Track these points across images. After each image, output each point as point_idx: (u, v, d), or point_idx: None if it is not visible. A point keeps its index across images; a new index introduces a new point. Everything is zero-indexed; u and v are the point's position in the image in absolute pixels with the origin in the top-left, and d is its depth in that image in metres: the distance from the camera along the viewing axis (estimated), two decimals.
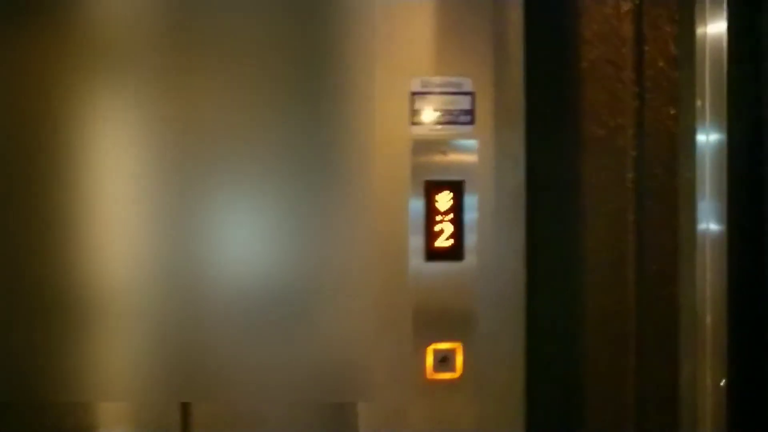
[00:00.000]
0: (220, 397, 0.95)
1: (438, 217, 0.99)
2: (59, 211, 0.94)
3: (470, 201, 0.99)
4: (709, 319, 1.00)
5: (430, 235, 0.99)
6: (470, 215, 0.99)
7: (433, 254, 0.99)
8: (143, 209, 0.95)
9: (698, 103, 0.96)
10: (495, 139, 1.00)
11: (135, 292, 0.95)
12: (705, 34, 0.96)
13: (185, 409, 0.97)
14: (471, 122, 1.00)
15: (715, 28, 0.95)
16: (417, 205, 0.99)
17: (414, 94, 0.99)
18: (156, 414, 0.97)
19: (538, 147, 1.04)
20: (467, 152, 1.00)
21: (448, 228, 0.99)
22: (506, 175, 1.00)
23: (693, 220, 1.00)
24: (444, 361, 0.99)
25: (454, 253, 0.99)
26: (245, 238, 0.99)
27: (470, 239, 0.99)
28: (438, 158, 0.99)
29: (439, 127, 0.99)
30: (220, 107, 0.97)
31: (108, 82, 0.95)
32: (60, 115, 0.94)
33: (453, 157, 0.99)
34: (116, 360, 0.95)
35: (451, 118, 0.99)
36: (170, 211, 0.96)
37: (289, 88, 0.99)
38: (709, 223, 0.98)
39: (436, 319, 0.99)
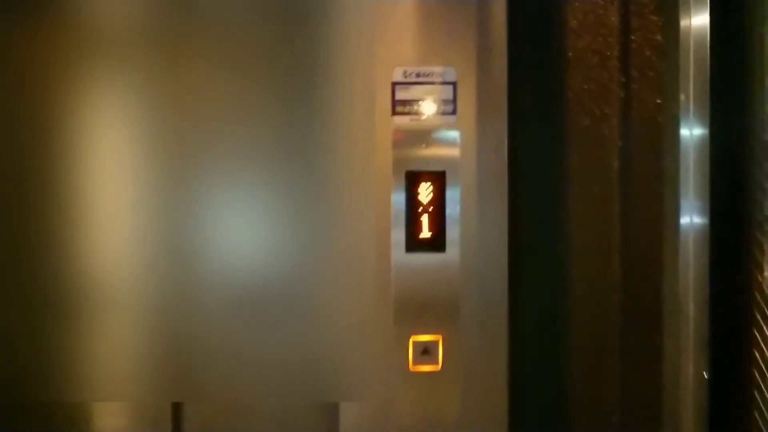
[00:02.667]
0: (211, 397, 0.94)
1: (419, 209, 0.98)
2: (51, 210, 0.93)
3: (452, 192, 0.98)
4: (692, 309, 1.00)
5: (412, 227, 0.98)
6: (452, 206, 0.98)
7: (415, 246, 0.98)
8: (136, 208, 0.95)
9: (682, 96, 0.95)
10: (477, 130, 0.99)
11: (126, 292, 0.94)
12: (689, 26, 0.94)
13: (177, 409, 0.96)
14: (453, 112, 0.98)
15: (699, 19, 0.93)
16: (399, 196, 0.98)
17: (395, 84, 0.98)
18: (147, 414, 0.97)
19: (522, 137, 1.03)
20: (449, 143, 0.99)
21: (430, 219, 0.98)
22: (489, 165, 0.99)
23: (677, 211, 0.99)
24: (425, 353, 0.99)
25: (436, 244, 0.98)
26: (228, 236, 0.98)
27: (452, 231, 0.99)
28: (420, 149, 0.98)
29: (421, 117, 0.98)
30: (200, 101, 0.96)
31: (103, 78, 0.94)
32: (56, 112, 0.92)
33: (435, 147, 0.98)
34: (108, 359, 0.94)
35: (433, 109, 0.98)
36: (162, 209, 0.95)
37: (266, 80, 0.98)
38: (693, 216, 0.97)
39: (418, 311, 0.99)
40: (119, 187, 0.94)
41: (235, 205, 0.98)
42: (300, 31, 0.96)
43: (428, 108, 0.98)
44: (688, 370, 0.96)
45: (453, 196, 0.98)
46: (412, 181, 0.98)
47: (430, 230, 0.99)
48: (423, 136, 0.98)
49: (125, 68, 0.95)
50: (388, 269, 0.98)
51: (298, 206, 0.98)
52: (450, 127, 0.98)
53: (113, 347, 0.93)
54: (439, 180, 0.98)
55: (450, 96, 0.98)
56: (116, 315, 0.93)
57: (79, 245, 0.93)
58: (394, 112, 0.98)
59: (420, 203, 0.98)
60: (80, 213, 0.94)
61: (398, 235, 0.98)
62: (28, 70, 0.93)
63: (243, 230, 0.98)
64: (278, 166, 0.98)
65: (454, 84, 0.98)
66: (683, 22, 0.98)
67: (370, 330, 0.97)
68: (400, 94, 0.98)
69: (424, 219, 0.98)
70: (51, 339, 0.92)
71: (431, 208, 0.98)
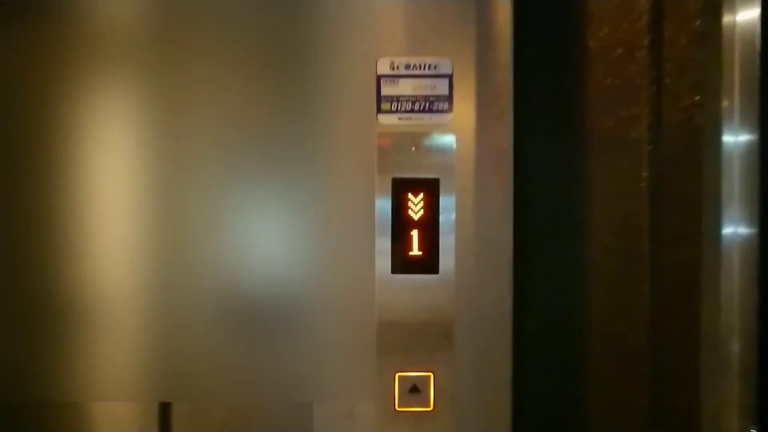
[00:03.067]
0: (199, 397, 0.85)
1: (408, 222, 0.84)
2: (43, 210, 0.85)
3: (447, 203, 0.84)
4: (735, 346, 0.83)
5: (399, 244, 0.84)
6: (447, 220, 0.84)
7: (402, 266, 0.84)
8: (126, 208, 0.85)
9: (725, 102, 0.79)
10: (477, 131, 0.84)
11: (115, 291, 0.85)
12: (734, 21, 0.78)
13: (164, 409, 0.86)
14: (449, 110, 0.84)
15: (747, 14, 0.78)
16: (384, 207, 0.84)
17: (381, 77, 0.84)
18: (134, 414, 0.87)
19: (530, 141, 0.88)
20: (444, 146, 0.84)
21: (421, 235, 0.84)
22: (490, 173, 0.85)
23: (718, 227, 0.83)
24: (414, 391, 0.84)
25: (427, 264, 0.84)
26: (214, 239, 0.86)
27: (447, 249, 0.84)
28: (409, 153, 0.84)
29: (411, 116, 0.84)
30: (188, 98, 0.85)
31: (93, 81, 0.85)
32: (50, 115, 0.85)
33: (427, 151, 0.84)
34: (94, 358, 0.85)
35: (425, 106, 0.84)
36: (152, 210, 0.85)
37: (240, 71, 0.85)
38: (738, 226, 0.81)
39: (405, 342, 0.84)
40: (112, 187, 0.85)
41: (213, 208, 0.85)
42: (269, 17, 0.84)
43: (419, 105, 0.84)
44: (731, 424, 0.79)
45: (448, 208, 0.84)
46: (400, 189, 0.84)
47: (420, 248, 0.84)
48: (413, 137, 0.84)
49: (115, 69, 0.86)
50: (371, 292, 0.84)
51: (272, 215, 0.85)
52: (445, 127, 0.84)
53: (99, 346, 0.85)
54: (432, 189, 0.84)
55: (445, 91, 0.84)
56: (103, 314, 0.85)
57: (68, 245, 0.85)
58: (379, 110, 0.84)
59: (409, 216, 0.84)
60: (72, 213, 0.85)
61: (383, 252, 0.84)
62: (24, 70, 0.86)
63: (225, 235, 0.86)
64: (250, 170, 0.85)
65: (449, 77, 0.84)
66: (727, 18, 0.82)
67: (348, 363, 0.84)
68: (387, 89, 0.84)
69: (414, 234, 0.84)
70: (33, 338, 0.85)
71: (422, 221, 0.84)
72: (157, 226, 0.85)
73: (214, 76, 0.85)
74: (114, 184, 0.85)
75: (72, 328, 0.84)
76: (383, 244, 0.84)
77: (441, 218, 0.84)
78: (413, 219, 0.84)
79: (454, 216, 0.84)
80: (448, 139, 0.84)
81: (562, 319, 0.93)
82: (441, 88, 0.84)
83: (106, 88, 0.85)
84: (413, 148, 0.84)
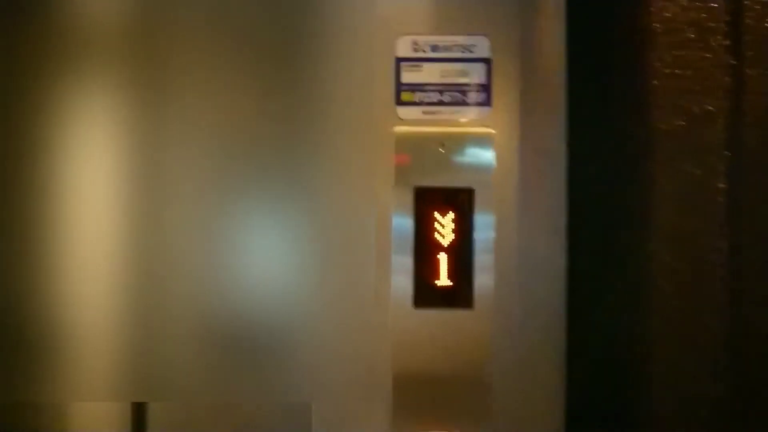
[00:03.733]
0: (176, 397, 0.70)
1: (435, 244, 0.67)
2: (18, 212, 0.70)
3: (483, 220, 0.67)
4: None
5: (423, 270, 0.66)
6: (483, 241, 0.66)
7: (428, 298, 0.66)
8: (108, 210, 0.69)
9: None
10: (522, 129, 0.67)
11: (89, 288, 0.69)
12: None
13: (138, 409, 0.70)
14: (486, 103, 0.67)
15: None
16: (403, 224, 0.67)
17: (401, 60, 0.67)
18: (108, 414, 0.71)
19: (584, 142, 0.71)
20: (479, 147, 0.67)
21: (451, 260, 0.67)
22: (538, 182, 0.67)
23: None
24: None
25: (458, 297, 0.66)
26: (203, 243, 0.69)
27: (483, 277, 0.66)
28: (435, 156, 0.67)
29: (438, 109, 0.67)
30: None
31: (76, 81, 0.69)
32: (26, 119, 0.70)
33: (458, 154, 0.67)
34: (64, 356, 0.70)
35: (456, 98, 0.67)
36: (130, 212, 0.69)
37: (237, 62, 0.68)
38: None
39: (429, 400, 0.66)
40: (93, 189, 0.70)
41: (199, 218, 0.68)
42: None
43: (449, 96, 0.67)
44: None
45: (484, 226, 0.67)
46: (425, 202, 0.66)
47: (450, 276, 0.67)
48: (440, 136, 0.67)
49: (96, 69, 0.70)
50: (385, 332, 0.66)
51: (261, 231, 0.68)
52: (481, 124, 0.67)
53: (69, 343, 0.70)
54: (465, 201, 0.66)
55: (482, 78, 0.67)
56: (75, 308, 0.70)
57: (42, 246, 0.70)
58: (398, 102, 0.67)
59: (435, 236, 0.67)
60: (48, 214, 0.69)
61: (402, 281, 0.67)
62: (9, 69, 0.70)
63: (209, 251, 0.69)
64: (237, 177, 0.68)
65: (487, 61, 0.67)
66: None
67: (354, 423, 0.66)
68: (408, 76, 0.67)
69: (442, 259, 0.67)
70: (3, 340, 0.70)
71: (452, 243, 0.67)
72: (135, 229, 0.69)
73: (202, 76, 0.68)
74: (94, 188, 0.69)
75: (45, 328, 0.69)
76: (402, 272, 0.66)
77: (476, 238, 0.66)
78: (441, 240, 0.67)
79: (492, 235, 0.66)
80: (486, 140, 0.67)
81: (617, 363, 0.76)
82: (476, 74, 0.67)
83: (85, 90, 0.69)
84: (441, 150, 0.67)
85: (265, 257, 0.68)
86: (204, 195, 0.68)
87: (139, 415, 0.70)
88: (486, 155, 0.67)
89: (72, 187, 0.69)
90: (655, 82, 0.76)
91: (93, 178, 0.69)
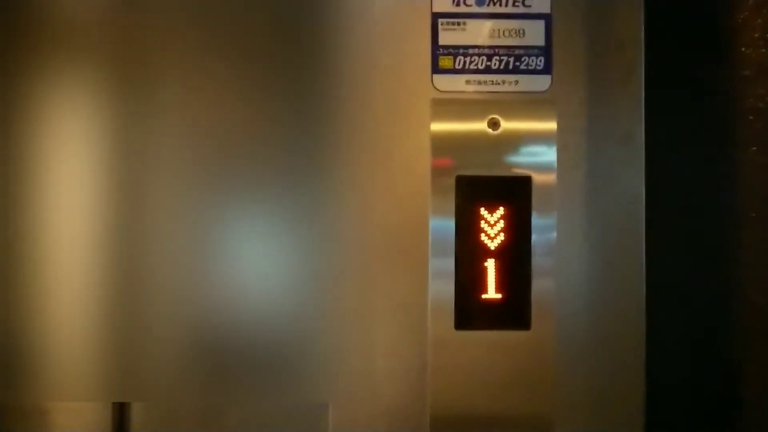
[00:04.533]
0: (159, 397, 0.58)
1: (482, 247, 0.53)
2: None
3: (544, 218, 0.53)
4: None
5: (467, 280, 0.53)
6: (544, 243, 0.53)
7: (472, 316, 0.53)
8: (87, 208, 0.57)
9: None
10: (590, 105, 0.53)
11: (71, 290, 0.58)
12: None
13: (120, 409, 0.59)
14: (545, 71, 0.53)
15: None
16: (443, 225, 0.53)
17: (439, 18, 0.54)
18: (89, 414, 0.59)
19: (667, 124, 0.57)
20: (538, 125, 0.53)
21: (501, 267, 0.53)
22: (611, 168, 0.54)
23: None
24: None
25: (512, 314, 0.53)
26: (189, 242, 0.55)
27: (542, 289, 0.53)
28: (482, 137, 0.53)
29: (486, 78, 0.53)
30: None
31: (63, 77, 0.57)
32: (8, 115, 0.58)
33: (511, 134, 0.53)
34: (42, 354, 0.59)
35: (508, 63, 0.53)
36: (115, 209, 0.57)
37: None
38: None
39: None
40: (73, 187, 0.59)
41: (213, 206, 0.55)
42: None
43: (499, 61, 0.53)
44: None
45: (544, 226, 0.53)
46: (469, 194, 0.53)
47: (500, 288, 0.53)
48: (488, 111, 0.53)
49: (76, 63, 0.57)
50: (422, 359, 0.53)
51: (264, 235, 0.54)
52: (540, 95, 0.53)
53: (48, 341, 0.59)
54: (519, 195, 0.53)
55: (539, 40, 0.53)
56: (57, 309, 0.59)
57: (20, 241, 0.59)
58: (435, 69, 0.53)
59: (482, 238, 0.53)
60: (27, 211, 0.58)
61: (442, 295, 0.53)
62: None
63: (198, 251, 0.55)
64: (235, 171, 0.55)
65: (546, 18, 0.53)
66: None
67: None
68: (448, 36, 0.53)
69: (490, 266, 0.53)
70: None
71: (504, 246, 0.53)
72: (119, 229, 0.57)
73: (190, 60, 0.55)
74: (76, 187, 0.57)
75: (23, 325, 0.58)
76: (442, 282, 0.53)
77: (534, 240, 0.53)
78: (488, 242, 0.53)
79: (554, 236, 0.53)
80: (546, 115, 0.53)
81: (705, 388, 0.61)
82: (533, 34, 0.53)
83: (67, 85, 0.56)
84: (489, 130, 0.53)
85: (267, 272, 0.55)
86: (195, 189, 0.55)
87: (121, 415, 0.58)
88: (546, 135, 0.53)
89: (52, 185, 0.56)
90: (747, 54, 0.62)
91: (76, 177, 0.56)
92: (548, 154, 0.53)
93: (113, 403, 0.57)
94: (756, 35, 0.63)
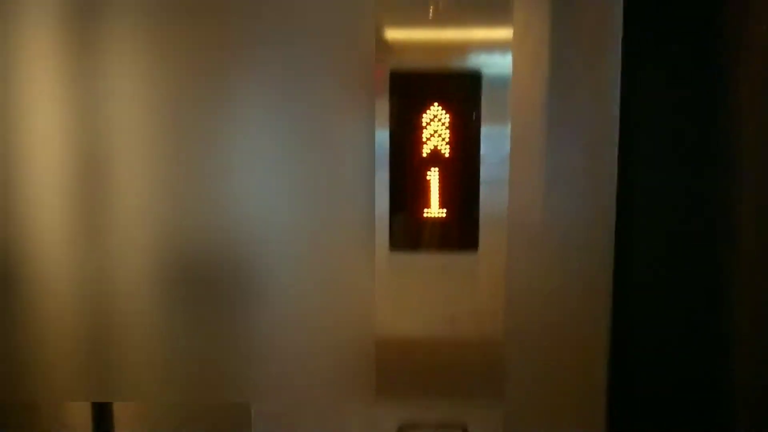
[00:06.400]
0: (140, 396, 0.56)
1: (420, 155, 0.45)
2: None
3: (495, 124, 0.44)
4: None
5: (405, 196, 0.46)
6: (494, 153, 0.45)
7: (410, 237, 0.46)
8: (55, 196, 0.52)
9: None
10: None
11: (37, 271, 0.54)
12: None
13: (99, 409, 0.57)
14: None
15: None
16: (382, 135, 0.45)
17: None
18: (67, 415, 0.58)
19: (636, 81, 0.47)
20: (489, 10, 0.44)
21: (444, 178, 0.45)
22: (578, 71, 0.44)
23: None
24: None
25: (457, 233, 0.46)
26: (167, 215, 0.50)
27: (493, 203, 0.45)
28: (421, 23, 0.44)
29: None
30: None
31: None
32: None
33: (458, 19, 0.44)
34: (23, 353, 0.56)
35: None
36: (83, 195, 0.52)
37: None
38: None
39: (422, 373, 0.47)
40: (39, 175, 0.53)
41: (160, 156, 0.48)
42: None
43: None
44: None
45: (496, 135, 0.45)
46: (405, 94, 0.45)
47: (442, 203, 0.46)
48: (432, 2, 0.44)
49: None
50: (365, 284, 0.47)
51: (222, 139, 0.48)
52: None
53: (21, 338, 0.56)
54: (467, 91, 0.44)
55: None
56: (25, 299, 0.55)
57: None
58: None
59: (420, 143, 0.45)
60: None
61: (379, 211, 0.46)
62: None
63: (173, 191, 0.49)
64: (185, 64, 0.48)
65: None
66: None
67: (326, 404, 0.48)
68: None
69: (433, 177, 0.45)
70: None
71: (448, 154, 0.45)
72: (90, 196, 0.51)
73: None
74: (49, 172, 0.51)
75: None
76: (379, 198, 0.46)
77: (483, 150, 0.45)
78: (428, 150, 0.45)
79: (507, 145, 0.45)
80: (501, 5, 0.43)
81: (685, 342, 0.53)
82: None
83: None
84: (430, 13, 0.44)
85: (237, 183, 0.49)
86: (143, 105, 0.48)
87: (102, 415, 0.56)
88: (500, 19, 0.44)
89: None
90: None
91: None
92: (502, 43, 0.44)
93: (93, 404, 0.54)
94: None
